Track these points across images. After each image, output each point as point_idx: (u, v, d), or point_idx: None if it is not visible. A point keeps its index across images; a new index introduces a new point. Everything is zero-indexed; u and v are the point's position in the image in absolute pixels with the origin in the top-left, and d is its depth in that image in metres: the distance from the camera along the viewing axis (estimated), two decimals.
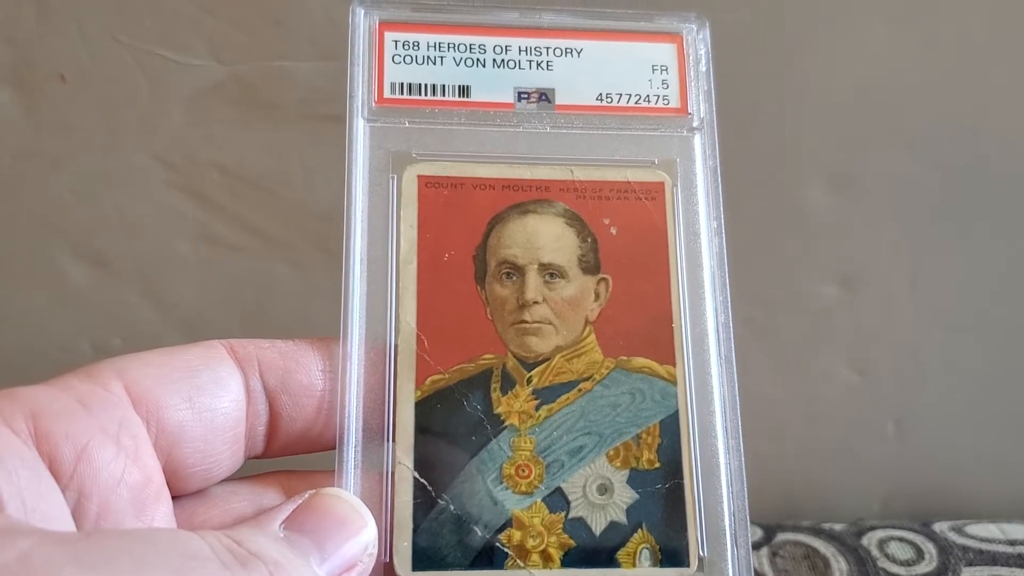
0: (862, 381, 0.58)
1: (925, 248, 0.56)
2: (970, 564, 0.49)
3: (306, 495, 0.28)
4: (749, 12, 0.51)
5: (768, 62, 0.53)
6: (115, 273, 0.57)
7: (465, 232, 0.32)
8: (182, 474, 0.29)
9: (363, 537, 0.28)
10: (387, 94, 0.33)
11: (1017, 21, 0.52)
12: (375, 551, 0.28)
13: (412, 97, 0.33)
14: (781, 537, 0.52)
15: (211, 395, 0.29)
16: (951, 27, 0.52)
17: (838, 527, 0.53)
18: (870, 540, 0.51)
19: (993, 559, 0.49)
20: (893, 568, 0.49)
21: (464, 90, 0.34)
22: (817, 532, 0.52)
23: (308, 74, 0.54)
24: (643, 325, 0.32)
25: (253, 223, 0.56)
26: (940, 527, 0.52)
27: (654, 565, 0.30)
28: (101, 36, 0.53)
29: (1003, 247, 0.56)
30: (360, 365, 0.31)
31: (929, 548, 0.50)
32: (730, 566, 0.30)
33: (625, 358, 0.32)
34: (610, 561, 0.30)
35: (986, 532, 0.51)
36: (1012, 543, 0.50)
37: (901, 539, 0.51)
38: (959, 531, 0.52)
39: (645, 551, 0.30)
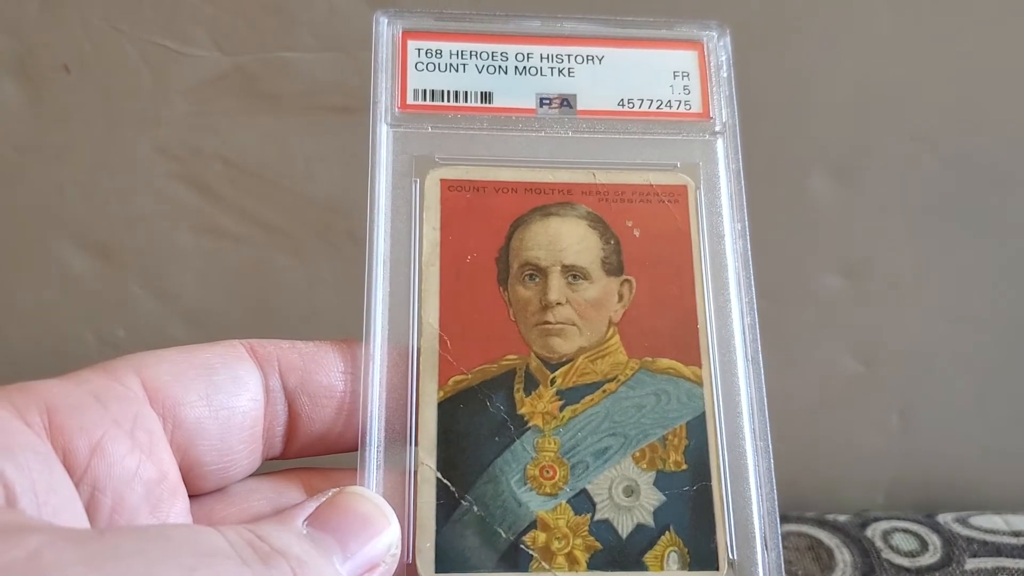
0: (867, 372, 0.58)
1: (930, 239, 0.56)
2: (974, 555, 0.49)
3: (329, 493, 0.28)
4: (752, 3, 0.51)
5: (772, 53, 0.52)
6: (118, 264, 0.57)
7: (487, 235, 0.33)
8: (199, 472, 0.28)
9: (386, 537, 0.27)
10: (410, 100, 0.34)
11: (1023, 13, 0.52)
12: (398, 551, 0.28)
13: (435, 103, 0.34)
14: (785, 528, 0.52)
15: (228, 393, 0.29)
16: (956, 18, 0.52)
17: (842, 518, 0.53)
18: (874, 531, 0.52)
19: (997, 550, 0.49)
20: (897, 559, 0.49)
21: (486, 96, 0.34)
22: (821, 523, 0.53)
23: (310, 65, 0.53)
24: (668, 326, 0.32)
25: (255, 214, 0.56)
26: (944, 518, 0.53)
27: (682, 568, 0.30)
28: (104, 26, 0.52)
29: (1008, 238, 0.56)
30: (383, 366, 0.31)
31: (933, 539, 0.51)
32: (761, 569, 0.30)
33: (650, 359, 0.32)
34: (637, 564, 0.30)
35: (990, 523, 0.52)
36: (1016, 534, 0.50)
37: (905, 530, 0.52)
38: (963, 522, 0.52)
39: (673, 554, 0.30)
